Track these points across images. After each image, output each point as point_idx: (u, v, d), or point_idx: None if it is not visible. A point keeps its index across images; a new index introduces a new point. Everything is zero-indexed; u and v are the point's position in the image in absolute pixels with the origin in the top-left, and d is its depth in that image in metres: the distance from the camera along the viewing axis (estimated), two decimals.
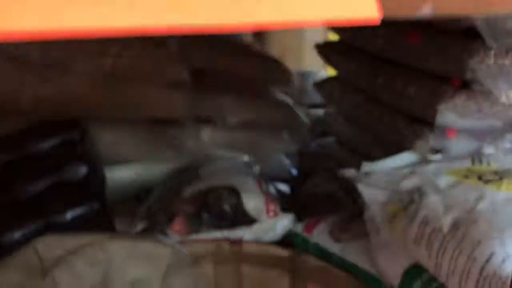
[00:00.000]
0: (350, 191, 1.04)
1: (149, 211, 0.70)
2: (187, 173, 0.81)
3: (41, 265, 0.53)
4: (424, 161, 0.63)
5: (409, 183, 0.55)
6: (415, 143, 0.69)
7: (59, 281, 0.52)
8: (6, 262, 0.52)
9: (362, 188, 0.59)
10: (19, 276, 0.51)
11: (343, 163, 1.00)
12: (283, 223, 0.70)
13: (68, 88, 0.70)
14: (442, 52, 0.64)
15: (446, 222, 0.47)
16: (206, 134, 0.89)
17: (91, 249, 0.58)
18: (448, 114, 0.64)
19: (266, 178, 0.93)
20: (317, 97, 1.17)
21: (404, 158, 0.65)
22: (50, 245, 0.55)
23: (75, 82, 0.71)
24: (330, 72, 1.08)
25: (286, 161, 1.00)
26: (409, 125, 0.71)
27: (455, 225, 0.46)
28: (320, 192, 1.10)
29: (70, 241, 0.57)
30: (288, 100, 1.01)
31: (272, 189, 0.85)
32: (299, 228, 0.70)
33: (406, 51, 0.71)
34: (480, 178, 0.52)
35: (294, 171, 1.03)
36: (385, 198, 0.58)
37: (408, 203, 0.54)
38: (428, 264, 0.48)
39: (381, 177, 0.59)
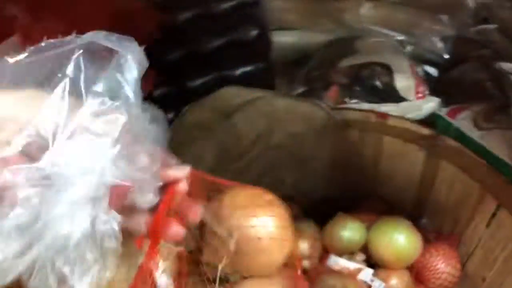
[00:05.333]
0: (500, 82, 1.02)
1: (307, 77, 0.79)
2: (344, 44, 0.87)
3: (225, 109, 0.66)
4: None
5: None
6: None
7: (237, 123, 0.65)
8: (202, 103, 0.66)
9: None
10: (210, 115, 0.65)
11: (500, 53, 0.97)
12: (430, 105, 0.75)
13: None
14: None
15: None
16: (366, 8, 0.92)
17: (261, 101, 0.69)
18: None
19: (417, 59, 0.95)
20: None
21: None
22: (232, 94, 0.68)
23: None
24: None
25: (441, 45, 1.00)
26: None
27: None
28: (468, 79, 1.09)
29: (246, 93, 0.69)
30: None
31: (421, 71, 0.88)
32: (443, 111, 0.74)
33: None
34: None
35: (446, 56, 1.02)
36: None
37: None
38: None
39: None
